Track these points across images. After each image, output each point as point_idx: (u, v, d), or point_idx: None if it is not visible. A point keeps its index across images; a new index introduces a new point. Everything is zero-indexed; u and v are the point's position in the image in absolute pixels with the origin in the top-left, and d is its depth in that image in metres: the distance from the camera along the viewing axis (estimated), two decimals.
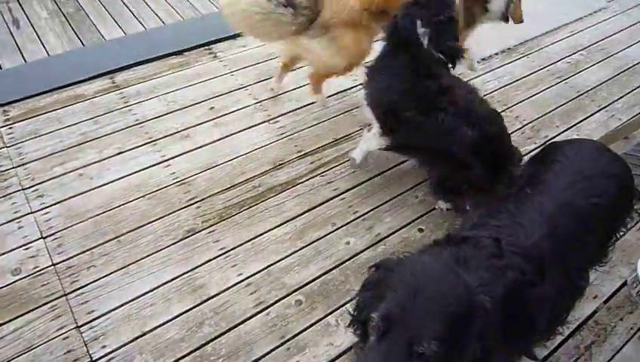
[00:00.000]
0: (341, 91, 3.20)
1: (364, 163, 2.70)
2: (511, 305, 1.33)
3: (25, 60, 3.48)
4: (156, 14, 3.99)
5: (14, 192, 2.50)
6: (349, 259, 2.36)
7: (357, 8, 2.52)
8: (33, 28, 3.80)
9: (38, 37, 3.72)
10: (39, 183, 2.54)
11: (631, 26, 4.05)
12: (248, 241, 2.39)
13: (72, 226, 2.39)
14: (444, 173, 2.42)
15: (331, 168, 2.74)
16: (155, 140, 2.81)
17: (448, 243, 1.53)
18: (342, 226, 2.49)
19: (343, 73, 2.79)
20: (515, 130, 3.06)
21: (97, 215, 2.44)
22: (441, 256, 1.38)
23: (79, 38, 3.72)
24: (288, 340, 2.07)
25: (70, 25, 3.85)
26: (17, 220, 2.39)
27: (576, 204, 1.56)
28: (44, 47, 3.63)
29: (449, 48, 2.24)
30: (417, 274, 1.25)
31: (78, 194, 2.51)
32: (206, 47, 3.44)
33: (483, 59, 3.54)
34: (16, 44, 3.61)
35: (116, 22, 3.90)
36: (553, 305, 1.54)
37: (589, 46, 3.78)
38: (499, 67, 3.51)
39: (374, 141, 2.51)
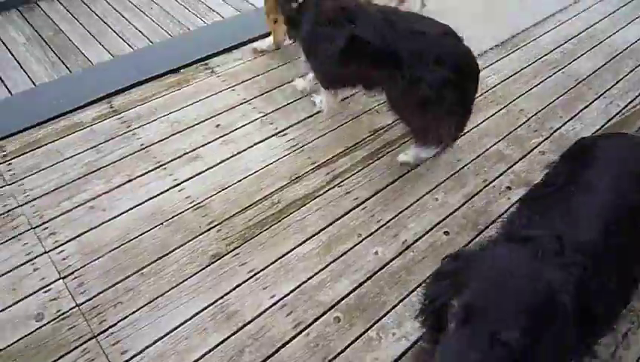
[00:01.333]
0: (347, 97, 3.16)
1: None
2: (580, 304, 1.33)
3: (8, 89, 3.34)
4: (142, 33, 3.86)
5: (24, 232, 2.37)
6: (380, 270, 2.33)
7: None
8: (12, 55, 3.64)
9: (19, 64, 3.56)
10: (49, 220, 2.42)
11: (612, 12, 4.13)
12: (276, 261, 2.33)
13: (90, 263, 2.28)
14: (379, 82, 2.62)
15: (348, 177, 2.70)
16: (164, 164, 2.71)
17: (511, 241, 1.52)
18: (367, 236, 2.45)
19: None
20: (522, 124, 3.08)
21: (115, 249, 2.33)
22: (520, 252, 1.37)
23: (63, 63, 3.58)
24: (332, 359, 2.03)
25: (52, 49, 3.70)
26: (31, 262, 2.27)
27: (626, 199, 1.57)
28: (27, 74, 3.48)
29: None
30: (500, 266, 1.29)
31: (92, 229, 2.40)
32: (202, 63, 3.35)
33: (479, 55, 3.55)
34: None
35: (100, 43, 3.76)
36: (612, 300, 1.54)
37: (578, 35, 3.84)
38: (496, 61, 3.53)
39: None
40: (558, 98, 3.28)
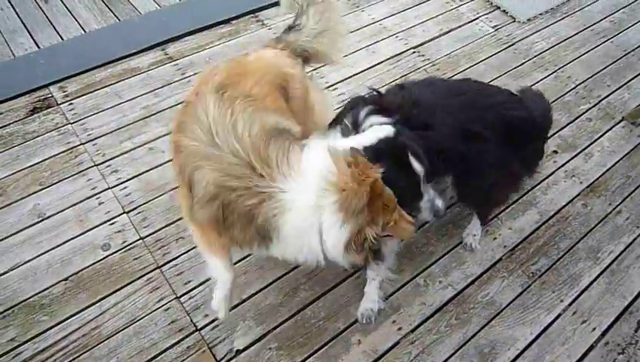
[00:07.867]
0: (394, 55, 3.19)
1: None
2: None
3: (59, 34, 3.40)
4: None
5: (88, 168, 2.49)
6: (428, 222, 2.39)
7: None
8: (62, 2, 3.68)
9: (69, 10, 3.61)
10: (111, 158, 2.53)
11: None
12: None
13: (152, 200, 2.39)
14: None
15: None
16: None
17: None
18: None
19: None
20: (569, 90, 3.09)
21: (176, 187, 2.42)
22: None
23: (111, 10, 3.62)
24: (384, 299, 2.13)
25: None
26: (96, 196, 2.39)
27: None
28: (77, 20, 3.53)
29: None
30: None
31: (152, 168, 2.51)
32: (253, 15, 3.38)
33: (529, 20, 3.54)
34: (48, 18, 3.51)
35: None
36: None
37: (631, 4, 3.77)
38: (545, 27, 3.50)
39: None
40: (606, 67, 3.26)
